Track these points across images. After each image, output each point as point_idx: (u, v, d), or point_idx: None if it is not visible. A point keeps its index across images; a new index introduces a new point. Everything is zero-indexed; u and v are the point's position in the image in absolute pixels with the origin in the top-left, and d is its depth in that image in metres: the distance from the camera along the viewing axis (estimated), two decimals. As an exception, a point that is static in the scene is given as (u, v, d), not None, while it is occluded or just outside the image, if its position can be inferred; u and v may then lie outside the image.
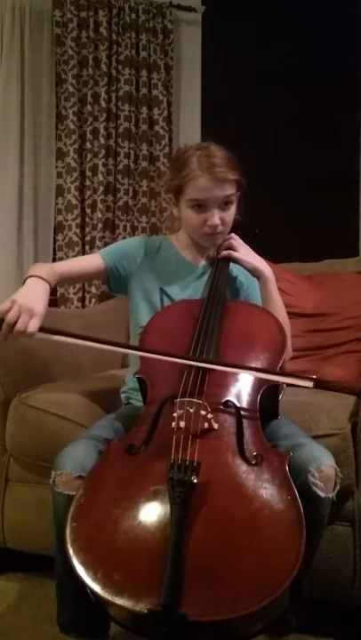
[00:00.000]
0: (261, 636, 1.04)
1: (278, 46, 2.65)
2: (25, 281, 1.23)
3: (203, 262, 1.48)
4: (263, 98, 2.65)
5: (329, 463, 1.05)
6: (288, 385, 1.11)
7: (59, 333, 1.11)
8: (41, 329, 1.11)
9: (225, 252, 1.41)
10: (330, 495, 1.04)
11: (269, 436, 1.09)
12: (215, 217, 1.34)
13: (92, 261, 1.43)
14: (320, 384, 1.04)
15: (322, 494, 1.02)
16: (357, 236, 2.65)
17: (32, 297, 1.16)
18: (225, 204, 1.35)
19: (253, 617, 0.81)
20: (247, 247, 1.43)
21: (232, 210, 1.38)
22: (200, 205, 1.34)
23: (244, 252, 1.41)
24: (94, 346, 1.11)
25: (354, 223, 2.66)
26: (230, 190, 1.34)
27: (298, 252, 2.24)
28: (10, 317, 1.10)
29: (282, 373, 1.14)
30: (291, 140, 2.65)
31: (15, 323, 1.10)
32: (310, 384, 1.04)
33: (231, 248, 1.41)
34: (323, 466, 1.03)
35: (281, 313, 1.38)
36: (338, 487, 1.06)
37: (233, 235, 1.43)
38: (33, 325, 1.11)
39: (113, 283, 1.45)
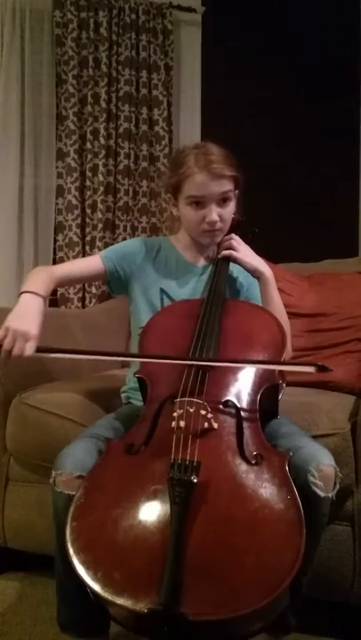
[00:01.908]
0: (261, 636, 1.04)
1: (278, 47, 2.65)
2: (19, 297, 1.24)
3: (203, 262, 1.48)
4: (263, 98, 2.65)
5: (329, 463, 1.05)
6: (291, 375, 1.14)
7: (55, 351, 1.17)
8: (38, 349, 1.16)
9: (225, 252, 1.41)
10: (329, 495, 1.04)
11: (269, 435, 1.09)
12: (213, 213, 1.34)
13: (92, 263, 1.44)
14: (322, 369, 1.05)
15: (321, 494, 1.02)
16: (357, 236, 2.65)
17: (26, 319, 1.18)
18: (223, 200, 1.36)
19: (253, 616, 0.81)
20: (248, 247, 1.43)
21: (230, 207, 1.38)
22: (198, 202, 1.35)
23: (245, 252, 1.41)
24: (90, 358, 1.17)
25: (354, 223, 2.66)
26: (227, 186, 1.35)
27: (298, 252, 2.24)
28: (6, 344, 1.14)
29: (283, 362, 1.17)
30: (291, 140, 2.65)
31: (12, 348, 1.14)
32: (312, 369, 1.06)
33: (232, 248, 1.41)
34: (322, 465, 1.03)
35: (281, 314, 1.38)
36: (337, 487, 1.06)
37: (233, 235, 1.43)
38: (29, 349, 1.15)
39: (113, 284, 1.46)
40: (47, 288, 1.29)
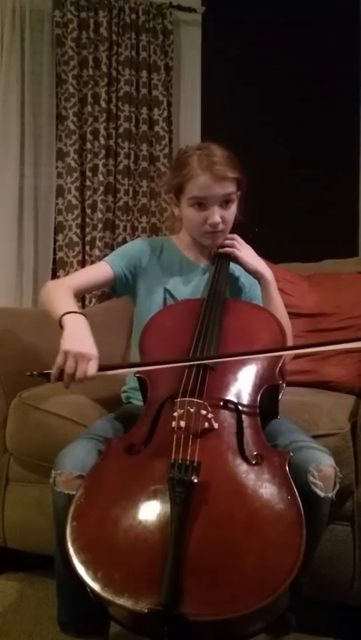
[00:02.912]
0: (261, 636, 1.04)
1: (278, 47, 2.65)
2: (61, 320, 1.20)
3: (205, 261, 1.48)
4: (263, 98, 2.65)
5: (328, 463, 1.05)
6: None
7: (116, 367, 1.15)
8: (101, 369, 1.14)
9: (228, 249, 1.41)
10: (329, 495, 1.04)
11: (269, 435, 1.09)
12: (215, 215, 1.34)
13: (102, 271, 1.43)
14: None
15: (321, 494, 1.02)
16: (357, 236, 2.65)
17: (81, 340, 1.15)
18: (225, 202, 1.36)
19: (253, 617, 0.81)
20: (250, 248, 1.43)
21: (233, 208, 1.38)
22: (201, 204, 1.35)
23: (247, 253, 1.41)
24: (150, 369, 1.15)
25: (354, 223, 2.66)
26: (230, 188, 1.35)
27: (298, 252, 2.24)
28: (68, 368, 1.12)
29: (337, 341, 1.15)
30: (291, 140, 2.65)
31: (75, 371, 1.12)
32: None
33: (234, 247, 1.41)
34: (322, 465, 1.03)
35: (282, 315, 1.39)
36: (337, 487, 1.06)
37: (235, 235, 1.43)
38: (92, 369, 1.12)
39: (120, 288, 1.45)
40: (76, 303, 1.30)
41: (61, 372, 1.13)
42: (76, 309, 1.23)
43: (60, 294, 1.30)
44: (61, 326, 1.20)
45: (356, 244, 2.64)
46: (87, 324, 1.21)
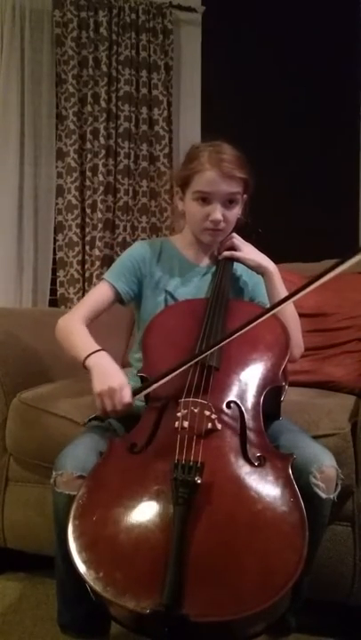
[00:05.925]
0: (261, 637, 1.04)
1: (278, 46, 2.65)
2: (84, 363, 1.22)
3: (205, 261, 1.48)
4: (263, 98, 2.65)
5: (330, 464, 1.05)
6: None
7: (150, 385, 1.13)
8: (134, 393, 1.15)
9: (227, 253, 1.40)
10: (331, 496, 1.04)
11: (271, 436, 1.09)
12: (217, 212, 1.34)
13: (105, 293, 1.40)
14: None
15: (323, 495, 1.02)
16: (357, 236, 2.66)
17: (109, 377, 1.16)
18: (229, 202, 1.35)
19: (255, 618, 0.81)
20: (249, 245, 1.42)
21: (236, 210, 1.37)
22: (205, 199, 1.34)
23: (247, 250, 1.41)
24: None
25: (354, 223, 2.66)
26: (236, 188, 1.34)
27: (298, 252, 2.24)
28: (107, 406, 1.14)
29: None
30: (291, 140, 2.65)
31: (114, 407, 1.14)
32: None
33: (233, 248, 1.40)
34: (324, 467, 1.03)
35: (288, 307, 1.38)
36: (339, 488, 1.06)
37: (234, 234, 1.42)
38: (126, 396, 1.14)
39: (127, 299, 1.43)
40: (90, 337, 1.29)
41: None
42: (94, 347, 1.24)
43: (75, 333, 1.30)
44: (86, 368, 1.22)
45: (357, 244, 2.64)
46: (109, 357, 1.22)
